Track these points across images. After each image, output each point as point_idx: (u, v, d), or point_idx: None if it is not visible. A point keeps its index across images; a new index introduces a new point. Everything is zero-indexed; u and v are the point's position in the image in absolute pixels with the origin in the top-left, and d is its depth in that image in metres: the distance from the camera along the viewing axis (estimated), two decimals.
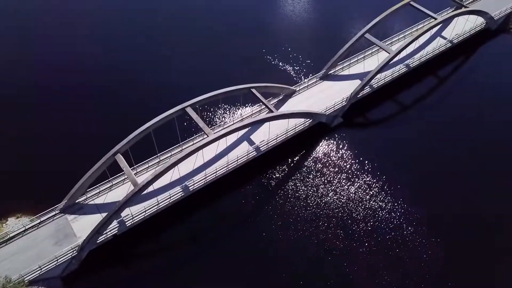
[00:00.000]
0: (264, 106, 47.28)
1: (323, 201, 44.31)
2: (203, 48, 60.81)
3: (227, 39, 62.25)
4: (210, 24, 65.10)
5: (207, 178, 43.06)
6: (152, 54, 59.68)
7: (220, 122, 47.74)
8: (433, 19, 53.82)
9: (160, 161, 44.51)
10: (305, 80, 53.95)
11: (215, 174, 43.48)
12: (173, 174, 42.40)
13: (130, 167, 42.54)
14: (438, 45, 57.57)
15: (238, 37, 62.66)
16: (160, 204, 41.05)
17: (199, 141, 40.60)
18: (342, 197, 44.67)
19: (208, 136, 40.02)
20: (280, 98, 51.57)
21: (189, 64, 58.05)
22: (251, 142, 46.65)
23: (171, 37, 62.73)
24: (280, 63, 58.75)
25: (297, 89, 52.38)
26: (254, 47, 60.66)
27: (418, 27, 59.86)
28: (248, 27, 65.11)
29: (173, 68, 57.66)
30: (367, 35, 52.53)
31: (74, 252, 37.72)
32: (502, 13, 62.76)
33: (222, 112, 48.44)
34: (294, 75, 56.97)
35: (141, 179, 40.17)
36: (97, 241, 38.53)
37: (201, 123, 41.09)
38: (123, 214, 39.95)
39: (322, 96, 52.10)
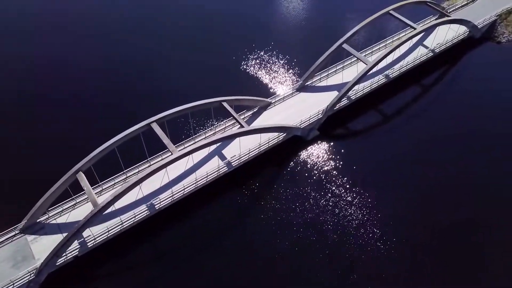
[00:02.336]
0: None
1: (299, 217, 42.73)
2: (173, 56, 59.45)
3: (199, 47, 60.91)
4: (181, 31, 63.89)
5: (174, 196, 41.63)
6: (117, 64, 58.24)
7: (188, 138, 46.12)
8: (413, 29, 52.34)
9: (126, 177, 43.09)
10: (281, 92, 52.49)
11: (183, 191, 42.05)
12: (138, 192, 40.96)
13: (96, 184, 41.34)
14: (419, 54, 56.21)
15: (212, 45, 61.30)
16: (124, 224, 39.62)
17: (162, 160, 39.14)
18: (319, 212, 43.10)
19: (172, 154, 38.61)
20: (254, 110, 50.16)
21: (158, 75, 56.73)
22: (222, 157, 45.23)
23: (138, 44, 61.39)
24: (256, 73, 57.34)
25: (273, 101, 50.97)
26: (229, 56, 59.32)
27: (400, 35, 58.51)
28: (222, 35, 63.53)
29: (141, 79, 56.12)
30: (345, 45, 51.11)
31: (32, 275, 36.27)
32: (486, 21, 61.41)
33: (192, 127, 46.54)
34: (270, 86, 55.51)
35: (105, 198, 38.67)
36: (57, 264, 37.09)
37: (165, 140, 39.67)
38: (85, 234, 38.56)
39: (299, 108, 50.69)
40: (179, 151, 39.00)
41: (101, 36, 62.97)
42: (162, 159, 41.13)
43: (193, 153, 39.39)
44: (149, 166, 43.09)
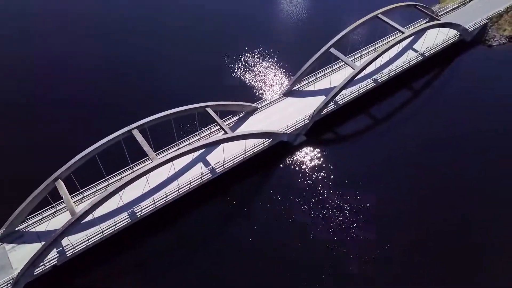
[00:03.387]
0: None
1: (286, 224, 41.95)
2: (158, 59, 58.87)
3: (185, 49, 60.29)
4: (166, 32, 63.33)
5: (156, 203, 40.96)
6: (99, 68, 57.46)
7: (172, 144, 45.34)
8: (401, 33, 51.70)
9: (108, 184, 42.39)
10: (268, 96, 51.81)
11: (165, 199, 41.39)
12: (120, 200, 40.33)
13: (76, 192, 40.70)
14: (409, 58, 55.58)
15: (198, 47, 60.69)
16: (104, 232, 38.94)
17: (142, 167, 38.50)
18: (306, 218, 42.28)
19: (152, 161, 37.94)
20: (240, 116, 49.50)
21: (143, 78, 56.07)
22: (206, 164, 44.57)
23: (123, 47, 60.82)
24: (243, 77, 56.66)
25: (259, 106, 50.32)
26: (217, 59, 58.67)
27: (389, 39, 57.86)
28: (208, 37, 62.79)
29: (125, 83, 55.48)
30: (332, 50, 50.45)
31: (9, 285, 35.57)
32: (477, 25, 60.78)
33: (176, 132, 44.92)
34: (257, 90, 54.82)
35: (84, 206, 37.96)
36: (34, 273, 36.41)
37: (146, 147, 38.99)
38: (64, 242, 37.89)
39: (286, 113, 50.03)
40: (160, 158, 38.30)
41: (82, 38, 62.15)
42: (142, 167, 40.40)
43: (174, 160, 38.70)
44: (131, 173, 42.41)
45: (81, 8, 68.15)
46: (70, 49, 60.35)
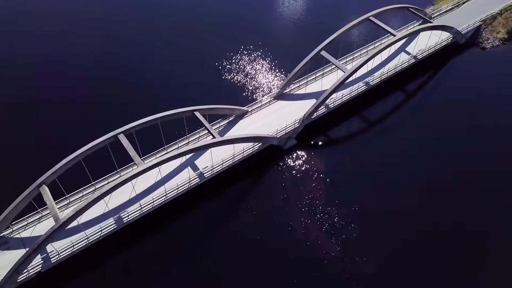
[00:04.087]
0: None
1: (276, 229, 41.44)
2: (146, 61, 58.42)
3: (173, 51, 59.82)
4: (154, 33, 62.81)
5: (143, 209, 40.52)
6: (85, 71, 56.76)
7: (160, 148, 44.80)
8: (393, 36, 51.26)
9: (95, 189, 41.94)
10: (259, 99, 51.30)
11: (152, 204, 40.94)
12: (107, 205, 39.89)
13: (62, 197, 40.27)
14: (401, 61, 55.12)
15: (186, 50, 60.16)
16: (90, 238, 38.50)
17: (127, 172, 38.05)
18: (296, 224, 41.79)
19: (137, 166, 37.50)
20: (230, 119, 49.05)
21: (130, 81, 55.52)
22: (194, 168, 44.12)
23: (107, 48, 60.18)
24: (233, 80, 56.17)
25: (249, 109, 49.87)
26: (207, 61, 58.22)
27: (382, 41, 57.43)
28: (198, 39, 62.11)
29: (112, 86, 54.88)
30: (323, 53, 50.01)
31: None
32: (470, 27, 60.37)
33: (164, 137, 43.92)
34: (247, 93, 54.37)
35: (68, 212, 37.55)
36: (18, 280, 35.96)
37: (132, 152, 38.57)
38: (49, 249, 37.47)
39: (276, 116, 49.60)
40: (146, 163, 37.86)
41: (66, 39, 61.45)
42: (128, 172, 39.94)
43: (160, 165, 38.26)
44: (118, 177, 41.94)
45: (64, 10, 67.39)
46: (53, 51, 59.51)
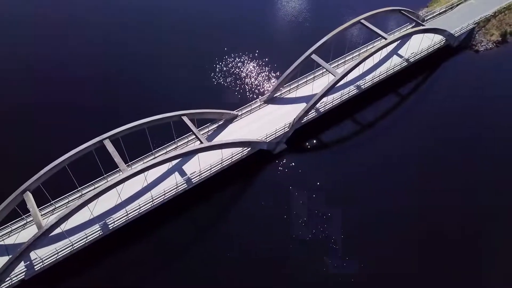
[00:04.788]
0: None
1: (265, 236, 40.93)
2: (135, 64, 57.85)
3: (161, 54, 59.17)
4: (142, 35, 62.23)
5: (129, 215, 40.04)
6: (71, 75, 55.99)
7: (147, 153, 44.14)
8: (384, 39, 50.75)
9: (81, 195, 41.43)
10: (249, 103, 50.72)
11: (138, 210, 40.46)
12: (92, 211, 39.44)
13: (46, 204, 39.79)
14: (393, 64, 54.63)
15: (175, 53, 59.58)
16: (74, 245, 38.01)
17: (111, 180, 37.55)
18: (286, 230, 41.29)
19: (122, 172, 37.02)
20: (220, 123, 48.56)
21: (117, 85, 54.97)
22: (182, 174, 43.64)
23: (92, 51, 59.49)
24: (224, 84, 55.59)
25: (239, 113, 49.38)
26: (197, 64, 57.72)
27: (374, 44, 56.90)
28: (187, 41, 61.50)
29: (99, 90, 54.29)
30: (314, 56, 49.52)
31: None
32: (463, 29, 59.87)
33: (151, 142, 43.34)
34: (237, 97, 53.77)
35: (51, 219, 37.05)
36: None
37: (117, 158, 38.09)
38: (32, 256, 36.98)
39: (267, 120, 49.15)
40: (130, 169, 37.39)
41: (49, 44, 60.69)
42: (113, 178, 39.41)
43: (145, 171, 37.74)
44: (104, 183, 41.44)
45: (47, 13, 66.67)
46: (37, 54, 58.91)
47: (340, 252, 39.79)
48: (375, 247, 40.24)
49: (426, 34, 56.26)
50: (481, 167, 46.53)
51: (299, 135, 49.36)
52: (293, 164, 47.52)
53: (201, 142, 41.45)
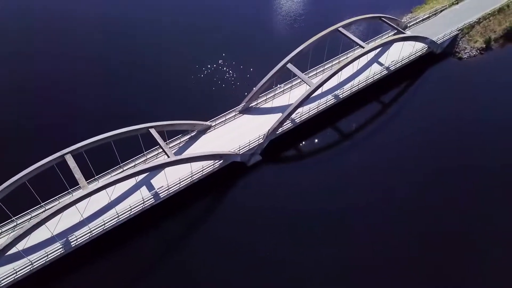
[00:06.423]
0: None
1: (235, 250, 39.73)
2: (103, 72, 56.44)
3: (131, 61, 57.87)
4: (110, 42, 60.97)
5: (93, 232, 38.74)
6: (31, 81, 54.57)
7: (115, 167, 42.68)
8: (362, 48, 49.48)
9: (45, 210, 40.12)
10: (223, 114, 49.35)
11: (103, 226, 39.17)
12: (54, 228, 38.15)
13: (9, 220, 38.52)
14: (372, 73, 53.37)
15: (144, 60, 58.36)
16: (34, 264, 36.72)
17: (69, 197, 36.29)
18: (259, 246, 39.98)
19: (82, 189, 35.73)
20: (192, 135, 47.29)
21: (82, 94, 53.55)
22: (150, 188, 42.37)
23: (54, 57, 58.06)
24: (196, 93, 54.08)
25: (213, 124, 48.10)
26: (169, 73, 56.38)
27: (354, 52, 55.51)
28: (157, 48, 60.21)
29: (65, 99, 52.92)
30: (289, 65, 48.24)
31: None
32: (446, 36, 58.62)
33: (117, 155, 41.36)
34: (211, 107, 52.33)
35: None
36: None
37: (77, 174, 36.76)
38: None
39: (241, 131, 47.87)
40: (91, 186, 36.08)
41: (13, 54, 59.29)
42: (72, 196, 38.15)
43: (106, 188, 36.41)
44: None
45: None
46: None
47: (323, 265, 38.48)
48: (360, 256, 39.01)
49: (407, 42, 55.00)
50: (465, 174, 45.35)
51: (275, 146, 48.15)
52: (268, 175, 46.31)
53: (168, 156, 40.10)
